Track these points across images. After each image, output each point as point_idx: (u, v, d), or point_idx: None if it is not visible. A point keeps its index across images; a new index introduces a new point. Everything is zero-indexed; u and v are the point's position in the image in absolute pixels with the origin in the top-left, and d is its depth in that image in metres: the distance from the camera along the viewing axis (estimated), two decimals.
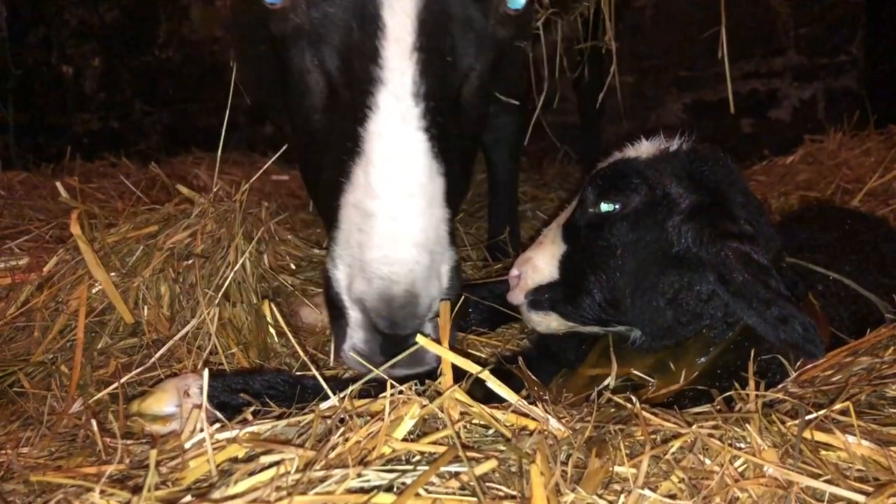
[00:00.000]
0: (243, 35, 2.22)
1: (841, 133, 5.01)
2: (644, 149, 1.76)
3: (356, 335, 1.59)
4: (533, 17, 2.50)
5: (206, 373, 1.45)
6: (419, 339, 1.40)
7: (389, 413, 1.23)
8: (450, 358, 1.37)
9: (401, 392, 1.29)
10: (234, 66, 2.64)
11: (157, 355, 1.80)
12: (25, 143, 6.53)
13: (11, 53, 6.43)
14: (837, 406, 1.35)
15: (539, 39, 3.07)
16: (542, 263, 1.77)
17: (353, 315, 1.59)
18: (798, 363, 1.80)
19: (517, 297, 1.81)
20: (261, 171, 2.47)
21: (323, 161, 1.75)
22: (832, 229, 2.31)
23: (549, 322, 1.78)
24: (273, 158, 2.50)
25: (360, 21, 1.65)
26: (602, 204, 1.67)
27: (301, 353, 1.53)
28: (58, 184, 2.27)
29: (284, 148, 2.45)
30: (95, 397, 1.73)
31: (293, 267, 2.57)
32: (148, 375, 1.82)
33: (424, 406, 1.25)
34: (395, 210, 1.55)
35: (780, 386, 1.65)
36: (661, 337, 1.64)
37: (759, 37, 5.85)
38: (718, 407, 1.40)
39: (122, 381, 1.73)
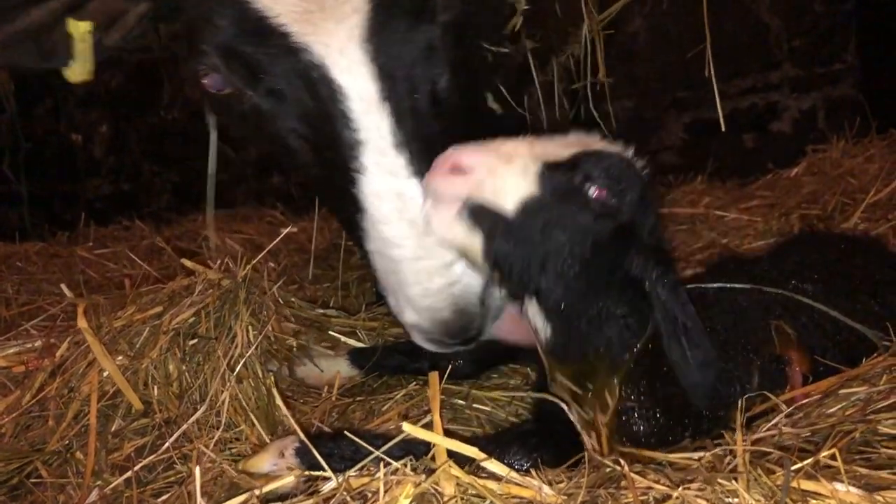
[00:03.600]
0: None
1: (843, 141, 5.03)
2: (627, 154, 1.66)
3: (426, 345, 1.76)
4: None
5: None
6: (405, 426, 1.44)
7: (384, 494, 1.27)
8: (442, 442, 1.42)
9: (395, 471, 1.33)
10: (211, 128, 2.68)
11: (170, 441, 1.85)
12: (40, 213, 6.66)
13: (21, 126, 6.57)
14: (824, 453, 1.37)
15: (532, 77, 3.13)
16: (506, 186, 1.54)
17: (416, 334, 1.77)
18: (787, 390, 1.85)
19: (453, 190, 1.56)
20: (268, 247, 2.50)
21: (337, 206, 1.86)
22: (824, 257, 2.33)
23: (468, 241, 1.58)
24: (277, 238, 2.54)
25: (312, 88, 1.69)
26: (603, 193, 1.55)
27: (299, 433, 1.56)
28: (63, 286, 2.35)
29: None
30: (110, 486, 1.78)
31: (297, 328, 2.62)
32: (161, 458, 1.88)
33: (419, 485, 1.29)
34: (416, 251, 1.65)
35: (771, 423, 1.68)
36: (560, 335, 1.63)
37: (753, 52, 5.89)
38: (706, 458, 1.44)
39: (136, 468, 1.78)
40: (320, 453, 1.53)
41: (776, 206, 4.18)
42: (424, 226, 1.64)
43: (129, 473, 1.80)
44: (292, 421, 1.62)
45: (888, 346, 2.01)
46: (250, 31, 1.68)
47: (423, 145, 1.70)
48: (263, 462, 1.63)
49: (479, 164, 1.54)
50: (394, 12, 1.69)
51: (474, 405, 2.12)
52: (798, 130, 5.89)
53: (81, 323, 2.03)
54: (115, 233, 5.69)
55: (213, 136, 2.58)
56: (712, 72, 2.94)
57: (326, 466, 1.45)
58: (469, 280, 1.72)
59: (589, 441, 1.60)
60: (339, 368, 2.33)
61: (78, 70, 1.96)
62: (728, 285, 2.10)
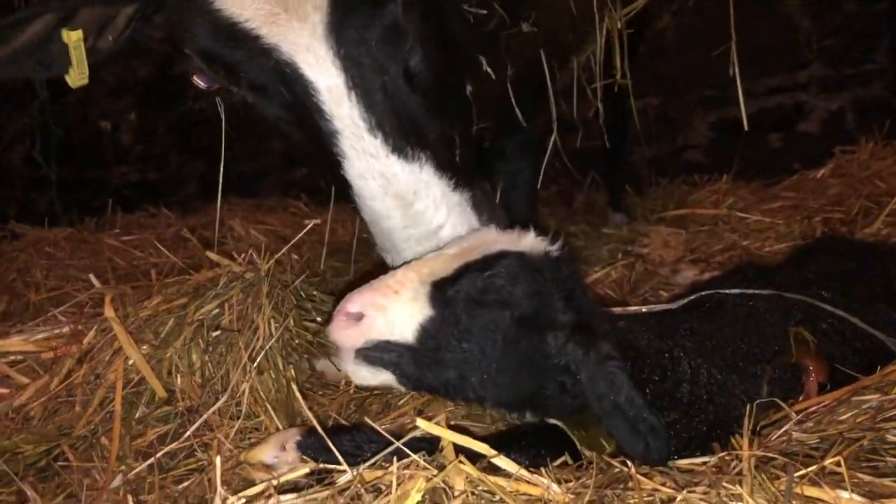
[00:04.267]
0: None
1: (872, 143, 4.99)
2: (530, 244, 1.70)
3: None
4: None
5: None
6: (419, 422, 1.48)
7: (397, 488, 1.31)
8: (453, 438, 1.46)
9: (408, 466, 1.38)
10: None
11: (192, 430, 1.91)
12: (69, 199, 6.76)
13: (52, 113, 6.68)
14: (829, 460, 1.39)
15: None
16: (397, 319, 1.59)
17: None
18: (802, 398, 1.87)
19: (352, 340, 1.60)
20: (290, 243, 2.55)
21: (333, 181, 1.98)
22: (842, 263, 2.34)
23: (376, 379, 1.64)
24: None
25: (287, 85, 1.81)
26: (490, 295, 1.61)
27: (317, 426, 1.60)
28: (91, 276, 2.41)
29: None
30: (133, 472, 1.84)
31: (318, 321, 2.66)
32: (182, 446, 1.93)
33: (430, 480, 1.32)
34: (404, 220, 1.81)
35: (782, 430, 1.70)
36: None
37: (782, 51, 5.84)
38: (712, 463, 1.46)
39: (158, 455, 1.84)
40: (329, 447, 1.57)
41: (799, 207, 4.16)
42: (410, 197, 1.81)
43: (151, 460, 1.85)
44: (309, 413, 1.67)
45: None
46: (224, 37, 1.80)
47: (402, 122, 1.84)
48: (265, 453, 1.67)
49: (368, 306, 1.59)
50: (353, 2, 1.80)
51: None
52: (826, 131, 5.84)
53: (108, 312, 2.09)
54: (141, 220, 5.77)
55: (224, 126, 2.67)
56: (737, 73, 2.92)
57: (342, 459, 1.49)
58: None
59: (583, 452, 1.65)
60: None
61: (75, 76, 2.07)
62: (745, 290, 2.12)
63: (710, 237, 3.77)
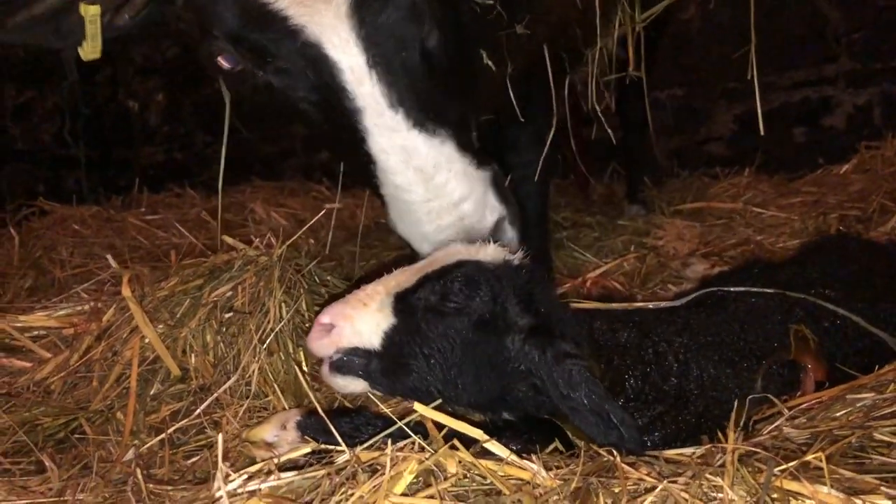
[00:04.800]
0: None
1: None
2: (491, 254, 1.77)
3: None
4: None
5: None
6: (416, 406, 1.54)
7: (390, 469, 1.37)
8: (447, 423, 1.51)
9: (402, 448, 1.44)
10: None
11: (202, 408, 1.99)
12: (96, 178, 6.88)
13: (81, 93, 6.79)
14: (810, 455, 1.43)
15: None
16: (364, 328, 1.69)
17: None
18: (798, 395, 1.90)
19: (324, 348, 1.72)
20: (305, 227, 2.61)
21: (350, 161, 2.09)
22: (848, 262, 2.36)
23: (352, 386, 1.74)
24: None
25: (312, 65, 1.88)
26: (446, 302, 1.69)
27: (318, 407, 1.67)
28: (108, 257, 2.49)
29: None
30: (146, 446, 1.92)
31: None
32: (193, 422, 2.01)
33: (422, 462, 1.38)
34: (426, 194, 1.89)
35: (773, 425, 1.74)
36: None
37: (809, 45, 5.80)
38: (697, 455, 1.51)
39: (169, 431, 1.92)
40: (329, 428, 1.64)
41: (818, 203, 4.16)
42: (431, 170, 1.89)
43: (163, 435, 1.93)
44: (311, 394, 1.74)
45: None
46: (253, 18, 1.87)
47: (420, 99, 1.92)
48: (266, 432, 1.75)
49: (337, 316, 1.70)
50: None
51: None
52: (852, 126, 5.79)
53: (125, 291, 2.16)
54: (166, 200, 5.87)
55: (228, 110, 2.73)
56: (755, 76, 2.92)
57: (340, 440, 1.55)
58: (480, 215, 1.96)
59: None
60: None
61: (88, 49, 2.10)
62: (747, 289, 2.15)
63: (724, 231, 3.78)
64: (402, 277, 1.76)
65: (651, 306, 2.23)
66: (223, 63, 1.99)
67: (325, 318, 1.71)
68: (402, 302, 1.71)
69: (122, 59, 6.93)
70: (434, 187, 1.90)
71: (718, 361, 1.87)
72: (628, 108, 4.48)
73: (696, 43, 6.05)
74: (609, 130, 3.20)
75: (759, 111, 3.05)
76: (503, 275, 1.72)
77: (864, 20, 5.69)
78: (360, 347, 1.70)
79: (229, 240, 2.43)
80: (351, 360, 1.70)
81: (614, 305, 2.23)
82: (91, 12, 2.03)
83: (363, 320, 1.69)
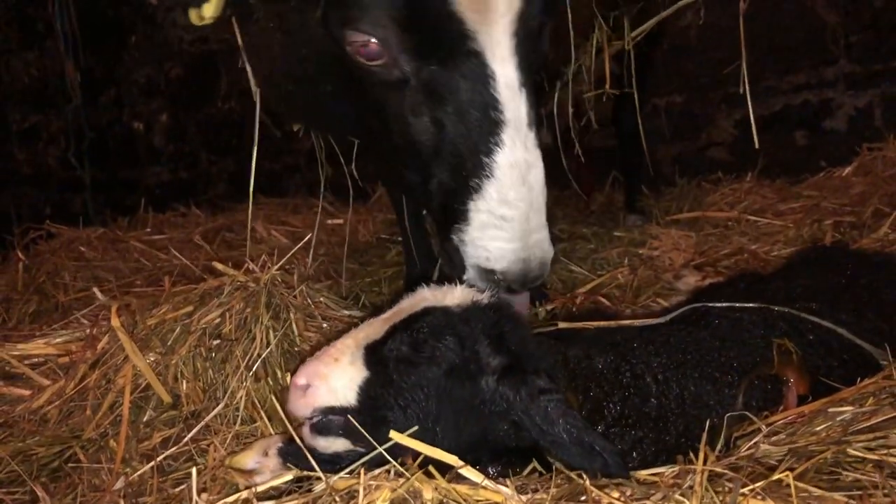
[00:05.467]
0: (312, 77, 2.33)
1: None
2: (458, 297, 1.78)
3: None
4: None
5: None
6: (392, 434, 1.56)
7: (364, 497, 1.39)
8: (422, 449, 1.54)
9: (375, 477, 1.46)
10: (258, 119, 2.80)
11: (190, 435, 2.02)
12: (102, 199, 6.97)
13: (86, 115, 6.88)
14: (777, 475, 1.45)
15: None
16: (338, 385, 1.68)
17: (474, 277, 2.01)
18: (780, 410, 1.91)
19: (302, 409, 1.71)
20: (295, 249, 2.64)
21: (432, 174, 2.05)
22: (832, 274, 2.37)
23: (334, 446, 1.71)
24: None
25: (468, 71, 1.93)
26: (415, 352, 1.69)
27: (294, 434, 1.70)
28: (95, 290, 2.53)
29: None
30: (136, 474, 1.95)
31: (325, 326, 2.75)
32: (183, 449, 2.05)
33: (395, 490, 1.41)
34: (527, 214, 1.93)
35: (752, 442, 1.75)
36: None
37: (808, 48, 5.80)
38: (668, 476, 1.52)
39: (158, 459, 1.95)
40: (302, 455, 1.67)
41: (816, 208, 4.16)
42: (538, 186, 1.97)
43: (152, 463, 1.96)
44: (287, 422, 1.75)
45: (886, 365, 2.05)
46: (433, 13, 1.89)
47: (538, 117, 2.04)
48: (248, 459, 1.78)
49: (311, 376, 1.69)
50: (531, 8, 1.95)
51: None
52: (853, 128, 5.78)
53: (114, 322, 2.21)
54: (172, 219, 5.93)
55: (258, 116, 2.73)
56: (747, 89, 2.94)
57: (316, 467, 1.58)
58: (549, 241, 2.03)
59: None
60: None
61: (209, 9, 2.10)
62: (730, 304, 2.17)
63: (720, 240, 3.79)
64: (371, 329, 1.76)
65: (637, 324, 2.24)
66: (362, 51, 1.97)
67: (300, 379, 1.70)
68: (374, 354, 1.71)
69: (125, 80, 7.02)
70: (533, 214, 1.95)
71: (699, 379, 1.89)
72: (624, 118, 4.49)
73: (695, 49, 6.05)
74: (618, 138, 3.20)
75: (752, 121, 3.06)
76: (471, 317, 1.72)
77: (862, 22, 5.68)
78: (336, 406, 1.68)
79: (219, 266, 2.47)
80: (329, 421, 1.68)
81: (599, 324, 2.24)
82: None
83: (337, 377, 1.68)
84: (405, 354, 1.68)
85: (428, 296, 1.79)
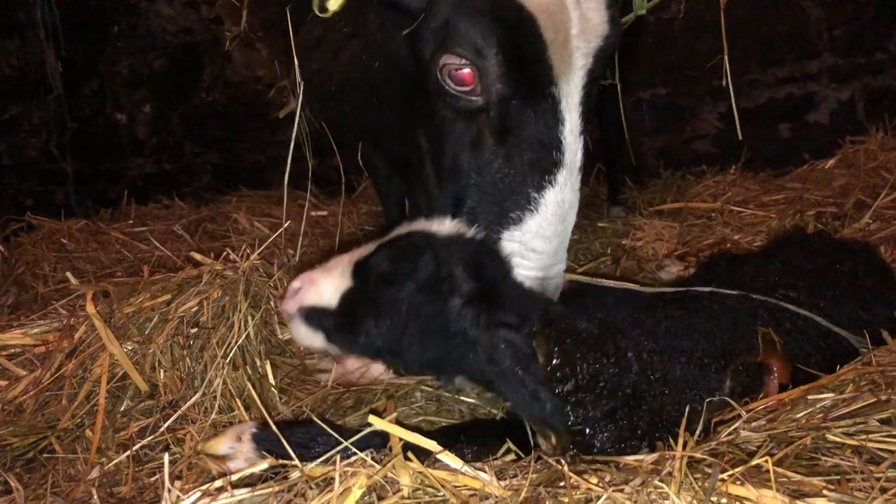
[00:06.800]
0: (373, 88, 2.43)
1: (882, 133, 4.99)
2: (445, 228, 1.93)
3: None
4: None
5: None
6: (371, 419, 1.55)
7: (340, 485, 1.38)
8: (401, 435, 1.52)
9: (352, 464, 1.45)
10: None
11: (166, 424, 2.00)
12: (85, 191, 6.88)
13: (68, 106, 6.80)
14: (756, 460, 1.44)
15: None
16: (324, 289, 1.91)
17: None
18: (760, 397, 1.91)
19: (289, 306, 1.95)
20: (272, 237, 2.62)
21: (467, 198, 2.12)
22: (811, 261, 2.37)
23: (313, 341, 1.94)
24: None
25: (543, 111, 2.03)
26: (393, 266, 1.85)
27: (268, 419, 1.69)
28: (68, 273, 2.49)
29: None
30: (111, 463, 1.93)
31: None
32: (160, 439, 2.02)
33: (371, 476, 1.39)
34: (557, 249, 2.07)
35: (732, 428, 1.75)
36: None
37: (791, 41, 5.82)
38: (647, 462, 1.52)
39: (134, 448, 1.93)
40: (281, 440, 1.66)
41: (801, 199, 4.17)
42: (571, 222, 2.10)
43: (128, 452, 1.94)
44: (261, 406, 1.75)
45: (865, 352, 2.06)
46: (532, 55, 2.00)
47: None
48: (221, 444, 1.80)
49: (304, 280, 1.95)
50: (598, 65, 2.10)
51: (461, 398, 2.22)
52: (836, 121, 5.81)
53: (90, 309, 2.18)
54: (155, 211, 5.88)
55: (297, 117, 2.77)
56: (730, 82, 2.95)
57: (293, 455, 1.56)
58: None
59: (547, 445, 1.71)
60: (378, 374, 2.40)
61: (335, 3, 2.12)
62: (707, 289, 2.17)
63: (702, 231, 3.80)
64: (366, 250, 1.96)
65: (648, 291, 2.32)
66: (454, 75, 2.05)
67: (295, 282, 1.96)
68: (360, 268, 1.90)
69: (108, 71, 6.93)
70: (566, 241, 2.11)
71: (686, 363, 1.88)
72: (606, 110, 4.49)
73: (679, 42, 6.06)
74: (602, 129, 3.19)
75: (736, 113, 3.07)
76: (453, 244, 1.86)
77: (845, 16, 5.72)
78: (319, 306, 1.90)
79: (197, 256, 2.45)
80: (311, 317, 1.91)
81: (616, 283, 2.35)
82: None
83: (325, 284, 1.91)
84: (384, 269, 1.85)
85: (416, 224, 1.95)
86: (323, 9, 2.13)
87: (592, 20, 2.06)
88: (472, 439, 1.76)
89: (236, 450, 1.76)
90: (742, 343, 2.00)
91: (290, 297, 1.94)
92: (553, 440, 1.67)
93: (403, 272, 1.82)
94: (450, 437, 1.69)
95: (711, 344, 1.97)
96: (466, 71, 2.03)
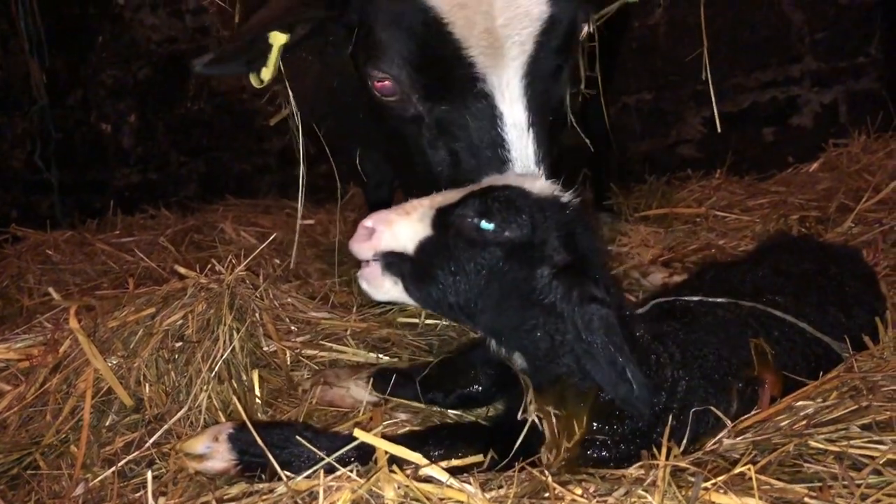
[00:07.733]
0: (344, 103, 2.48)
1: (865, 136, 5.02)
2: (539, 187, 1.79)
3: None
4: None
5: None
6: (356, 432, 1.56)
7: (324, 500, 1.38)
8: (386, 447, 1.53)
9: (337, 477, 1.45)
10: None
11: (153, 440, 1.99)
12: (70, 202, 6.87)
13: (52, 116, 6.78)
14: (738, 468, 1.46)
15: None
16: (402, 233, 1.77)
17: None
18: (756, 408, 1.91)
19: (364, 250, 1.80)
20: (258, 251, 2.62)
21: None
22: (795, 266, 2.38)
23: (390, 291, 1.81)
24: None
25: (478, 111, 2.00)
26: (483, 222, 1.72)
27: (246, 420, 1.70)
28: (50, 289, 2.48)
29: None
30: (97, 479, 1.92)
31: (294, 329, 2.73)
32: (145, 454, 2.02)
33: (355, 491, 1.40)
34: None
35: (717, 438, 1.76)
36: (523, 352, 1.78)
37: (774, 45, 5.87)
38: (631, 472, 1.53)
39: (120, 464, 1.92)
40: (257, 440, 1.67)
41: (786, 203, 4.20)
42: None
43: (114, 468, 1.93)
44: (240, 408, 1.75)
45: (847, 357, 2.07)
46: (445, 57, 1.98)
47: (549, 157, 2.06)
48: (198, 444, 1.79)
49: (381, 221, 1.79)
50: (546, 52, 2.03)
51: (447, 412, 2.21)
52: (819, 125, 5.87)
53: (73, 324, 2.17)
54: (141, 221, 5.85)
55: (297, 126, 2.77)
56: (709, 79, 2.96)
57: (270, 456, 1.56)
58: None
59: (546, 456, 1.70)
60: (361, 397, 2.27)
61: (266, 73, 2.14)
62: (696, 298, 2.17)
63: (687, 236, 3.81)
64: (450, 196, 1.82)
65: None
66: (380, 88, 2.08)
67: (368, 221, 1.79)
68: (443, 217, 1.77)
69: (93, 81, 6.92)
70: None
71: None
72: (591, 116, 4.50)
73: (663, 47, 6.10)
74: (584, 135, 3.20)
75: (716, 110, 3.09)
76: (547, 207, 1.74)
77: (827, 20, 5.77)
78: (395, 251, 1.76)
79: (181, 269, 2.44)
80: (392, 263, 1.77)
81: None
82: (280, 40, 2.08)
83: (403, 227, 1.77)
84: (471, 224, 1.71)
85: (511, 177, 1.84)
86: (259, 81, 2.15)
87: (522, 5, 1.97)
88: (439, 441, 1.71)
89: (213, 449, 1.76)
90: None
91: (363, 240, 1.78)
92: (554, 453, 1.65)
93: (495, 230, 1.70)
94: (420, 440, 1.68)
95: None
96: (387, 83, 2.04)
